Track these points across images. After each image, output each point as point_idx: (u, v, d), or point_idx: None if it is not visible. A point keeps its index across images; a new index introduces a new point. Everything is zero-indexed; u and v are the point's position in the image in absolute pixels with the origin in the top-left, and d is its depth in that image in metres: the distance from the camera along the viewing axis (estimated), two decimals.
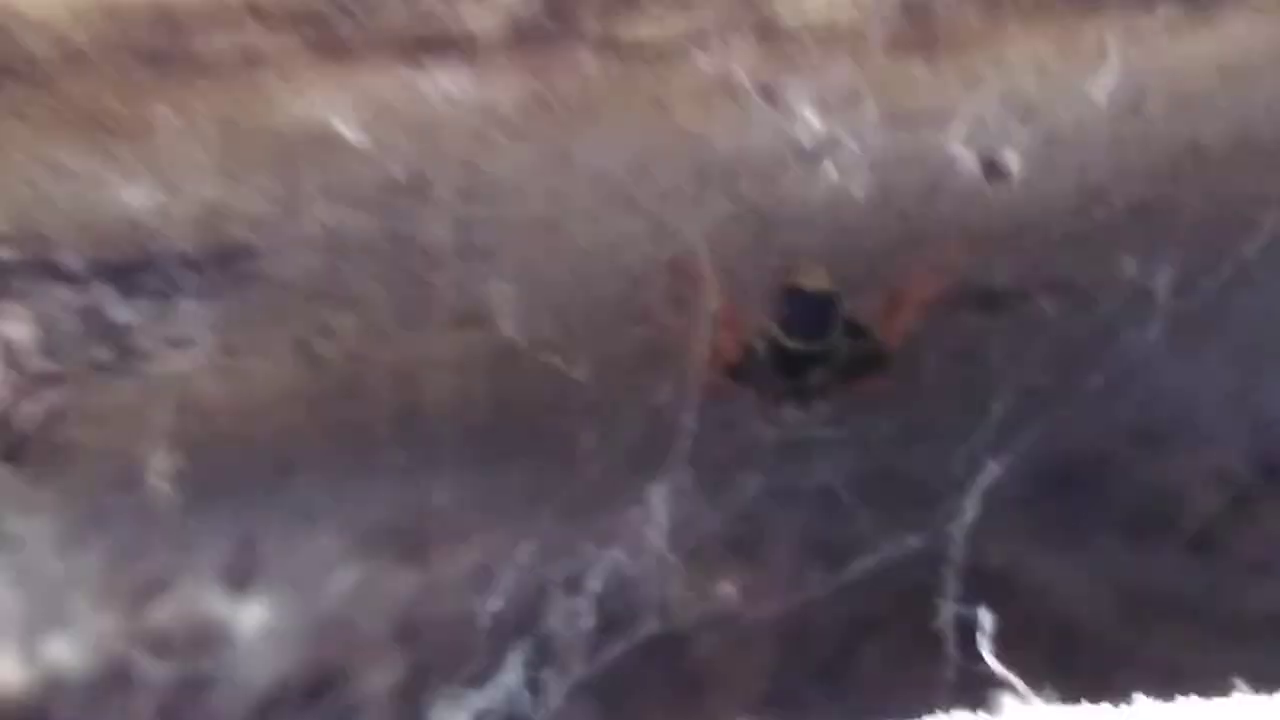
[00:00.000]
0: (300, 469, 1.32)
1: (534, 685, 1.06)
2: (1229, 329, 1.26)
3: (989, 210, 1.08)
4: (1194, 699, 0.76)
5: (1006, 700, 0.81)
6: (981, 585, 1.04)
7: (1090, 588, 1.37)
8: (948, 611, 1.05)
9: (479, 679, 1.09)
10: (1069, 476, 1.40)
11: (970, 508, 1.10)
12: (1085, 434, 1.38)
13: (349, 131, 0.89)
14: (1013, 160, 0.92)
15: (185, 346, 1.13)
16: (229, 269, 1.05)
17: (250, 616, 1.45)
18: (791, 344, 1.08)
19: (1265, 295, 1.21)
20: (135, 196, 0.95)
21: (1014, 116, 0.92)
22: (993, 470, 1.09)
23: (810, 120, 0.89)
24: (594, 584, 1.06)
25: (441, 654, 1.27)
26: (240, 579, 1.45)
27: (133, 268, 1.03)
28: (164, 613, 1.46)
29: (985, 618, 0.94)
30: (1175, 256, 1.09)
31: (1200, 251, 1.10)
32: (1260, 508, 1.39)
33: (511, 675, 1.07)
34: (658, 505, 1.05)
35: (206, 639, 1.46)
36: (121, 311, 1.08)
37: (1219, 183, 1.07)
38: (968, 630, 0.96)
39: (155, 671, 1.45)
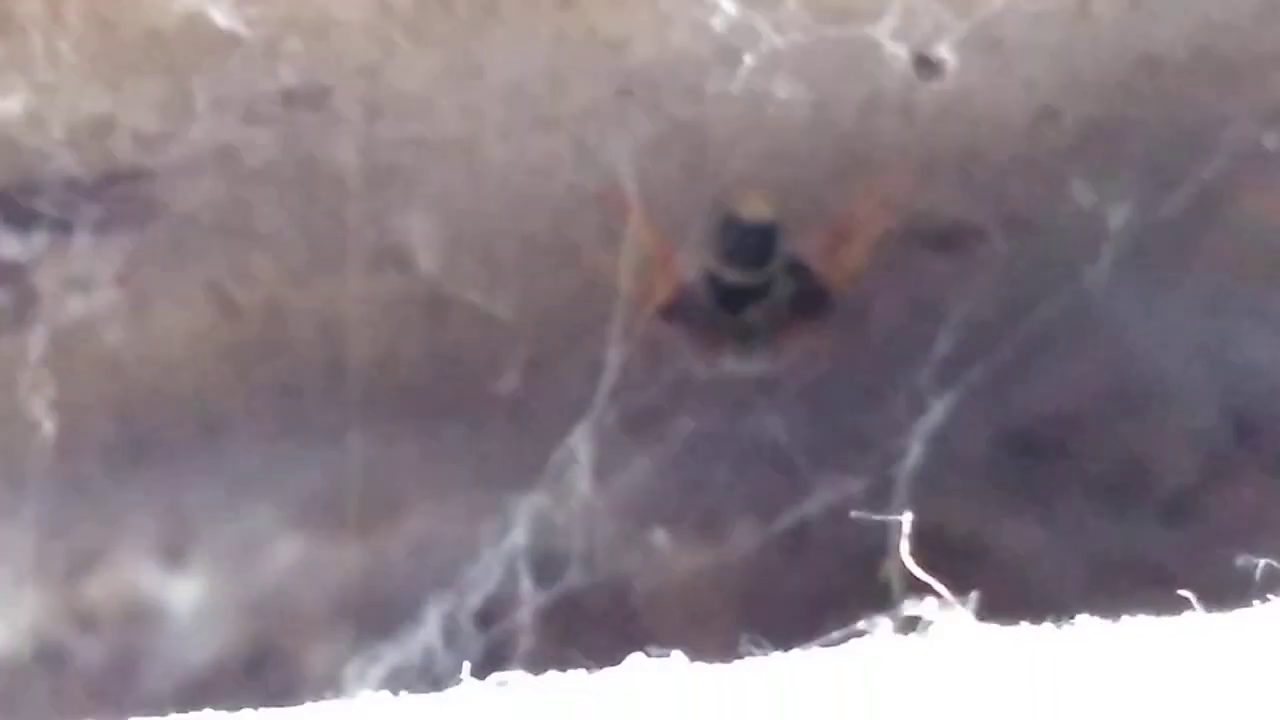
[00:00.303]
0: (227, 431, 1.23)
1: (452, 639, 0.96)
2: (1196, 271, 1.16)
3: (934, 132, 0.99)
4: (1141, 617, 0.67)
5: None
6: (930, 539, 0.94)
7: (1057, 557, 1.27)
8: (893, 561, 0.95)
9: (396, 634, 1.00)
10: (1033, 440, 1.31)
11: (914, 451, 1.01)
12: (1050, 394, 1.29)
13: (231, 24, 0.80)
14: (947, 55, 0.83)
15: (88, 289, 1.04)
16: (124, 196, 0.96)
17: (184, 592, 1.35)
18: (730, 276, 0.99)
19: (1232, 232, 1.11)
20: (8, 107, 0.86)
21: (948, 8, 0.82)
22: (937, 411, 1.00)
23: (728, 10, 0.80)
24: (517, 532, 0.97)
25: (380, 625, 1.17)
26: (173, 553, 1.35)
27: (17, 191, 0.94)
28: (94, 588, 1.36)
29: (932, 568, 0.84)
30: (1130, 182, 1.00)
31: (1156, 176, 1.00)
32: (1236, 472, 1.29)
33: (430, 629, 0.98)
34: (583, 449, 0.95)
35: (139, 615, 1.36)
36: (13, 246, 0.99)
37: (1176, 99, 0.98)
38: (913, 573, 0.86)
39: (86, 650, 1.35)
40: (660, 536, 1.02)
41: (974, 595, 0.69)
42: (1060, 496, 1.28)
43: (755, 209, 0.99)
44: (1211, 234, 1.11)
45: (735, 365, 1.02)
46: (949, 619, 0.66)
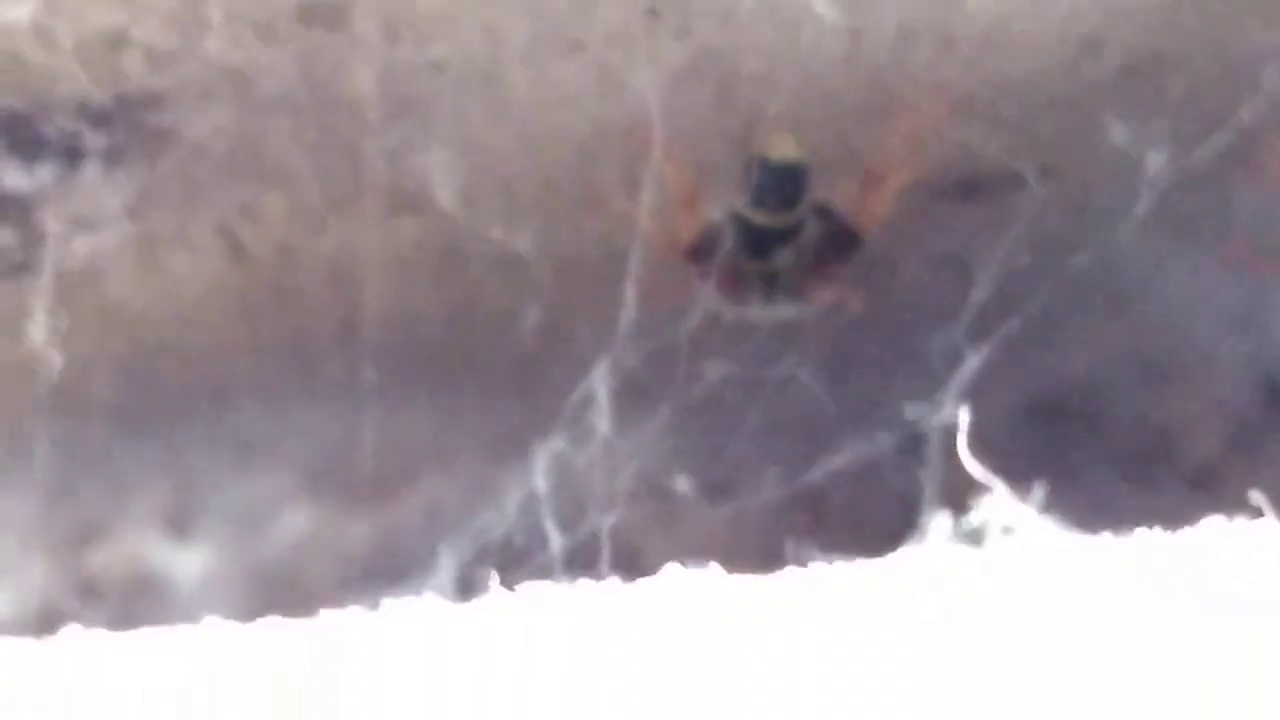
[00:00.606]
0: (236, 392, 1.17)
1: (466, 585, 0.91)
2: (1229, 232, 1.11)
3: (971, 66, 0.94)
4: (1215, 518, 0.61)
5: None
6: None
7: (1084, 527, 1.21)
8: (927, 512, 0.90)
9: (407, 578, 0.94)
10: (1063, 408, 1.25)
11: (949, 402, 0.95)
12: (1081, 362, 1.23)
13: None
14: None
15: (95, 228, 0.98)
16: (135, 123, 0.91)
17: (190, 562, 1.29)
18: (758, 219, 0.93)
19: (1267, 191, 1.05)
20: (15, 16, 0.80)
21: None
22: (972, 362, 0.94)
23: None
24: (536, 475, 0.91)
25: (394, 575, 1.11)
26: (179, 522, 1.29)
27: (25, 115, 0.89)
28: (99, 557, 1.31)
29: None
30: (1168, 124, 0.94)
31: (1195, 117, 0.95)
32: (1265, 440, 1.23)
33: (444, 575, 0.92)
34: (602, 389, 0.90)
35: (144, 585, 1.31)
36: (19, 178, 0.94)
37: (1221, 33, 0.93)
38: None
39: (90, 620, 1.28)
40: (682, 483, 0.96)
41: (1037, 490, 0.64)
42: (1088, 462, 1.23)
43: (784, 149, 0.93)
44: (1245, 191, 1.06)
45: (761, 310, 0.97)
46: (1012, 517, 0.61)
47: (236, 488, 1.27)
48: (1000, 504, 0.61)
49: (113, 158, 0.93)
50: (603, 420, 0.91)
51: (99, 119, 0.90)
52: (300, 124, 0.93)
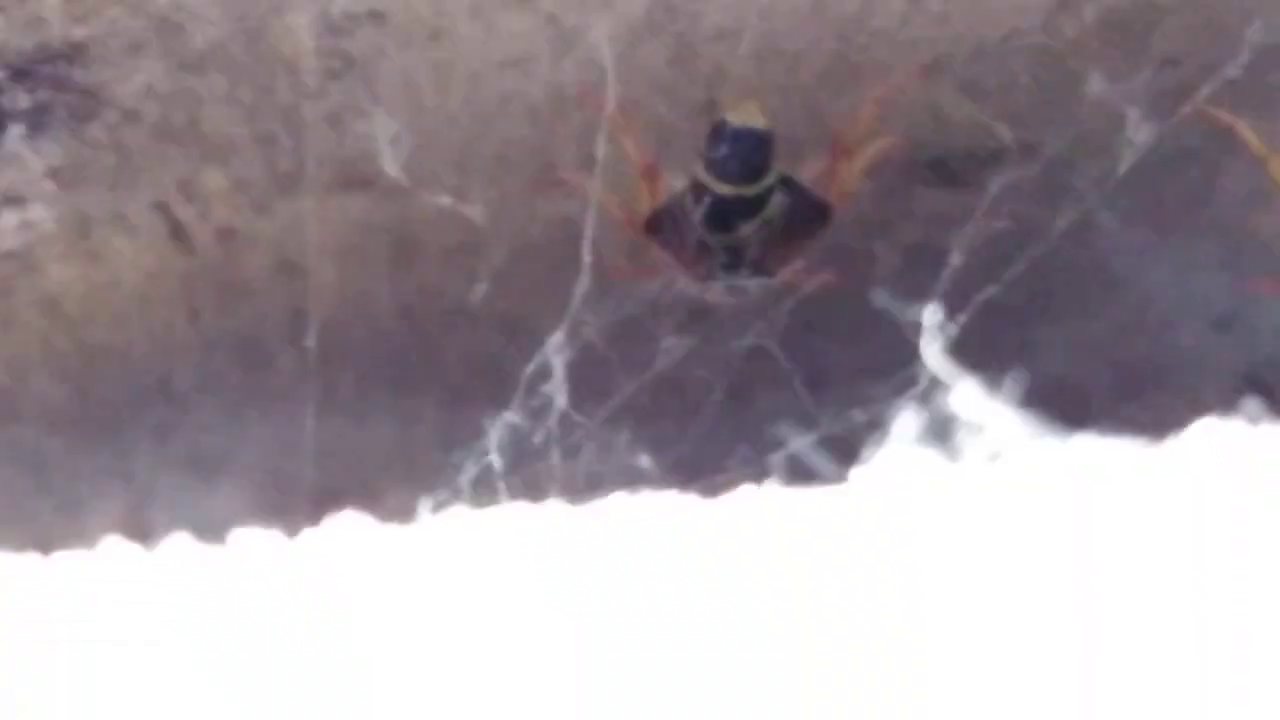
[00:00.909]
0: (185, 395, 1.09)
1: None
2: (1214, 218, 1.04)
3: (942, 24, 0.86)
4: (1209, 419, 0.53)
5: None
6: None
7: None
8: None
9: None
10: (1045, 414, 1.16)
11: (924, 377, 0.87)
12: (1062, 367, 1.15)
13: None
14: None
15: (23, 204, 0.91)
16: (58, 80, 0.83)
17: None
18: (721, 188, 0.86)
19: (1253, 175, 0.97)
20: None
21: None
22: (949, 330, 0.86)
23: None
24: (490, 452, 0.83)
25: None
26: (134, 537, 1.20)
27: None
28: None
29: None
30: (1149, 81, 0.87)
31: (1178, 74, 0.87)
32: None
33: None
34: (558, 363, 0.82)
35: None
36: None
37: None
38: None
39: None
40: (644, 461, 0.88)
41: (1011, 380, 0.56)
42: None
43: (748, 115, 0.86)
44: (1230, 175, 0.98)
45: (726, 284, 0.89)
46: (987, 411, 0.53)
47: (192, 498, 1.18)
48: (970, 399, 0.53)
49: (37, 121, 0.86)
50: (560, 395, 0.83)
51: (19, 73, 0.82)
52: (235, 84, 0.86)
